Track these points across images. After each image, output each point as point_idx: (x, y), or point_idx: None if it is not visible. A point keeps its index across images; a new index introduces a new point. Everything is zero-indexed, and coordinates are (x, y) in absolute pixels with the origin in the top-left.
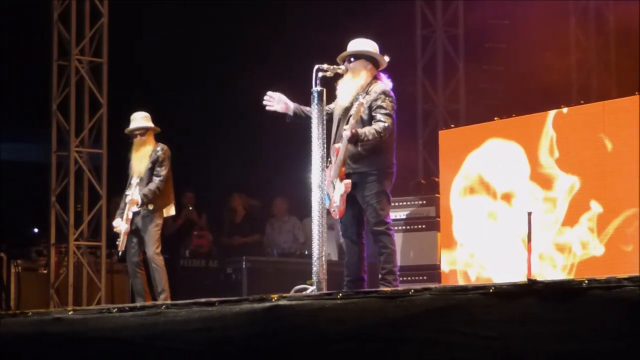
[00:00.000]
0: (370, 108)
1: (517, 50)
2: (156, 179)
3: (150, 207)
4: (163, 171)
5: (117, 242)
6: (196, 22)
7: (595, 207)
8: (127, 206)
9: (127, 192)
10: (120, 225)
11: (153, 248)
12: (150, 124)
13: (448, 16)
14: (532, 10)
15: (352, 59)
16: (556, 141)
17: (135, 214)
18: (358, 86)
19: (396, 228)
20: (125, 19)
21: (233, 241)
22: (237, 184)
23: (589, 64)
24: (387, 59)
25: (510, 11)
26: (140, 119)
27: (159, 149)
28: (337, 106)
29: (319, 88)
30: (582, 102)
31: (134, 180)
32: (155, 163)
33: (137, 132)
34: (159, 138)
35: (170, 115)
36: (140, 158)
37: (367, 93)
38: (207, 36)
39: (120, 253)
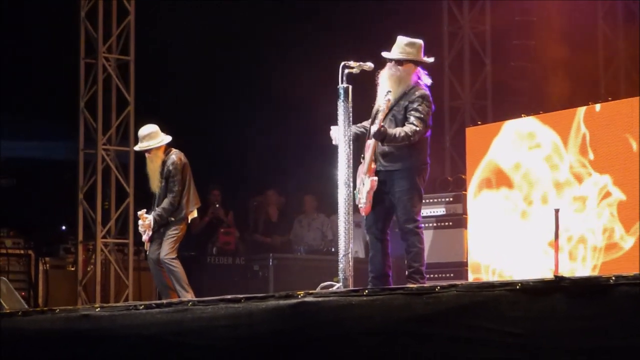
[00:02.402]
0: (406, 109)
1: (544, 47)
2: (170, 195)
3: (172, 219)
4: (176, 186)
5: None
6: (223, 18)
7: (617, 193)
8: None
9: (152, 208)
10: (144, 234)
11: (165, 251)
12: (154, 142)
13: (475, 13)
14: (560, 7)
15: (401, 61)
16: (589, 140)
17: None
18: (402, 89)
19: (423, 225)
20: (152, 16)
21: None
22: (263, 181)
23: (617, 60)
24: (431, 60)
25: (538, 7)
26: (143, 138)
27: (169, 162)
28: (376, 104)
29: (345, 85)
30: (609, 98)
31: (156, 196)
32: (167, 179)
33: (144, 152)
34: (183, 137)
35: (197, 112)
36: (153, 174)
37: (406, 93)
38: (233, 32)
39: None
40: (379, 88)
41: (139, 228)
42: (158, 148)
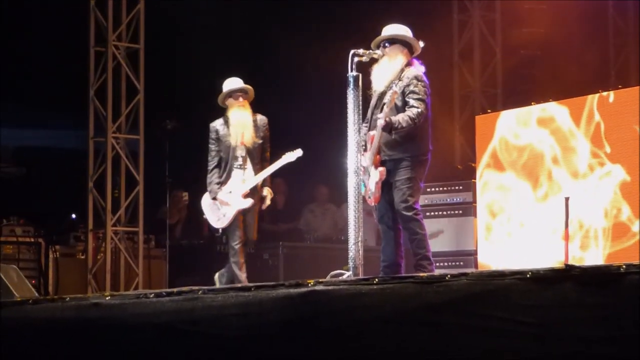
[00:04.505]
0: (403, 94)
1: (554, 35)
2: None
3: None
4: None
5: (218, 220)
6: (232, 6)
7: (622, 174)
8: (241, 184)
9: (235, 164)
10: (236, 202)
11: (255, 234)
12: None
13: (485, 1)
14: None
15: (387, 44)
16: (604, 130)
17: (254, 190)
18: (394, 71)
19: (433, 213)
20: (162, 4)
21: (278, 228)
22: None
23: (627, 49)
24: (421, 44)
25: None
26: (240, 81)
27: (265, 123)
28: (372, 91)
29: (354, 73)
30: (619, 86)
31: (240, 152)
32: (264, 139)
33: (239, 94)
34: (193, 125)
35: (208, 100)
36: (243, 124)
37: (399, 79)
38: (242, 20)
39: (220, 231)
40: (372, 76)
41: (235, 208)
42: (250, 97)
